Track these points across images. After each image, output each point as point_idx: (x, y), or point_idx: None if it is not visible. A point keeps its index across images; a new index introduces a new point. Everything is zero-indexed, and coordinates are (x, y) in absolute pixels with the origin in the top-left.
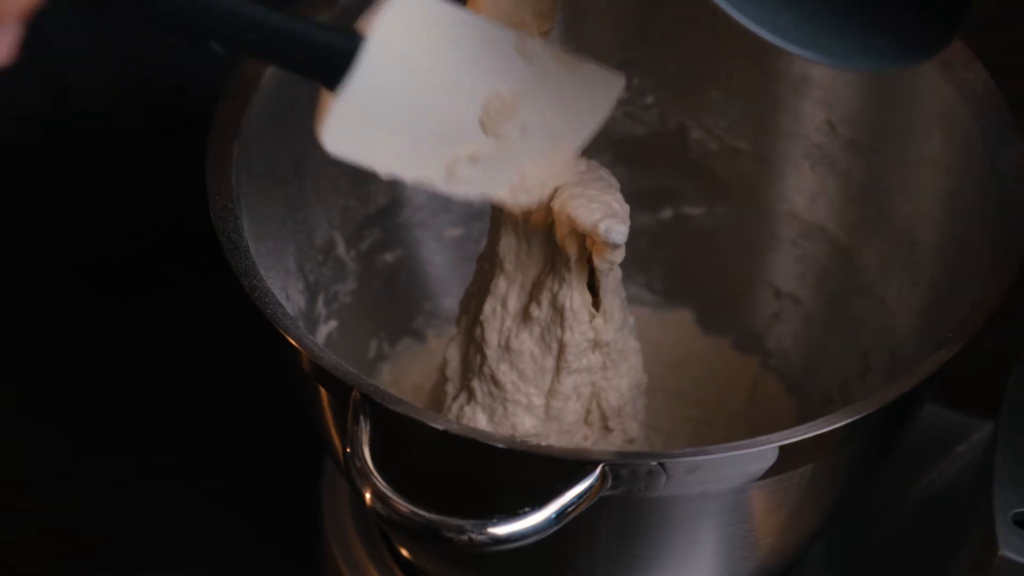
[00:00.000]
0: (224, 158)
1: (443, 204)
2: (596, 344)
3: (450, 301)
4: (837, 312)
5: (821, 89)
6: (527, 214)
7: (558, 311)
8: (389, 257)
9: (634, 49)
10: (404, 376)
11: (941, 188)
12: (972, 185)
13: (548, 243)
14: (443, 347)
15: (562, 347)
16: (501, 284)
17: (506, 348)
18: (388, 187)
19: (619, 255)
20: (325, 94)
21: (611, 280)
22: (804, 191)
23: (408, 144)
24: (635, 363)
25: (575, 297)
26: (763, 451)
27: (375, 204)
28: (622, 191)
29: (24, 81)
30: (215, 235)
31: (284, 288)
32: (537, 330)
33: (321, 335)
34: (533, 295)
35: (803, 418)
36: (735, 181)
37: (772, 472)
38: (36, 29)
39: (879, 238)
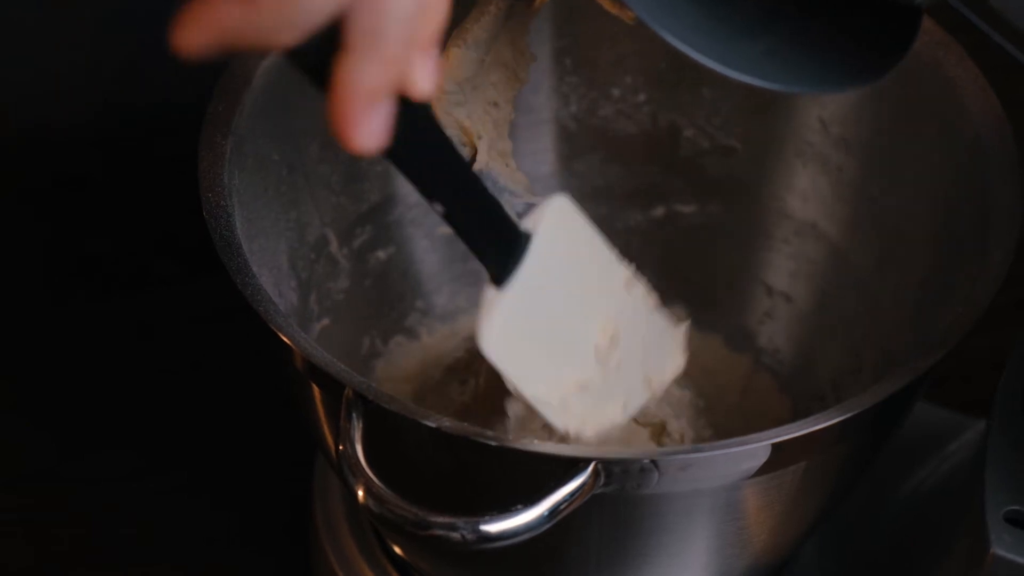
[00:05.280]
0: (216, 156)
1: None
2: None
3: (442, 299)
4: (829, 310)
5: None
6: None
7: None
8: (382, 255)
9: (626, 46)
10: (397, 373)
11: (932, 186)
12: (963, 183)
13: None
14: (436, 344)
15: None
16: None
17: None
18: (380, 185)
19: None
20: (488, 293)
21: None
22: (796, 189)
23: (542, 361)
24: None
25: None
26: (755, 449)
27: (367, 202)
28: (614, 189)
29: (13, 79)
30: (207, 233)
31: (276, 286)
32: None
33: (314, 332)
34: None
35: (795, 416)
36: (727, 179)
37: (764, 470)
38: (23, 25)
39: (871, 236)
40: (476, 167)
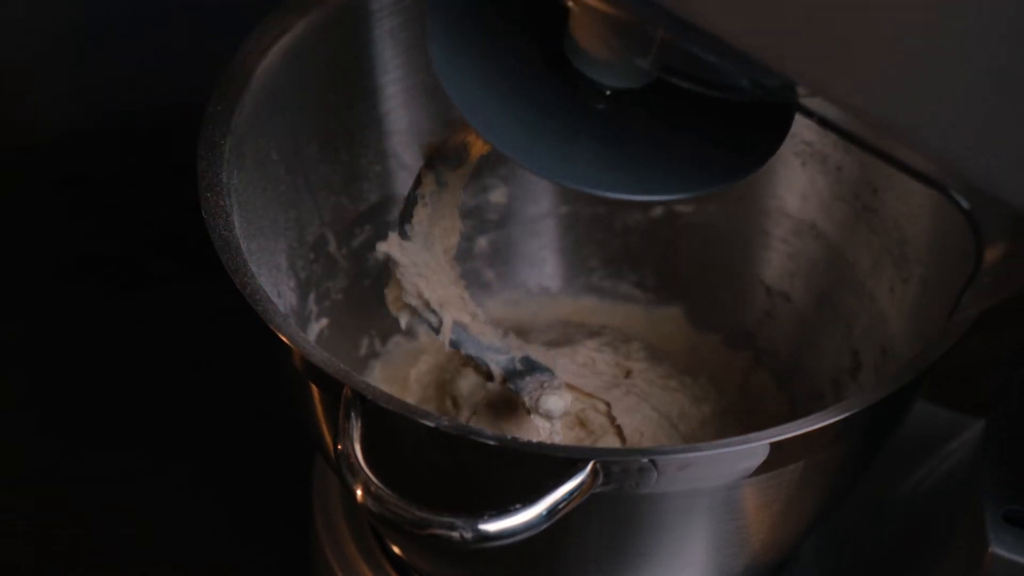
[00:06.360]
0: (215, 155)
1: None
2: None
3: None
4: (828, 309)
5: None
6: None
7: None
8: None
9: None
10: (396, 373)
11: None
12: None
13: None
14: (434, 344)
15: None
16: None
17: None
18: (380, 185)
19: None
20: None
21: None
22: (795, 188)
23: None
24: None
25: None
26: (754, 448)
27: (366, 202)
28: None
29: (13, 80)
30: (207, 233)
31: (275, 285)
32: None
33: (312, 332)
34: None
35: (794, 415)
36: None
37: (763, 469)
38: (24, 26)
39: (869, 235)
40: (452, 334)
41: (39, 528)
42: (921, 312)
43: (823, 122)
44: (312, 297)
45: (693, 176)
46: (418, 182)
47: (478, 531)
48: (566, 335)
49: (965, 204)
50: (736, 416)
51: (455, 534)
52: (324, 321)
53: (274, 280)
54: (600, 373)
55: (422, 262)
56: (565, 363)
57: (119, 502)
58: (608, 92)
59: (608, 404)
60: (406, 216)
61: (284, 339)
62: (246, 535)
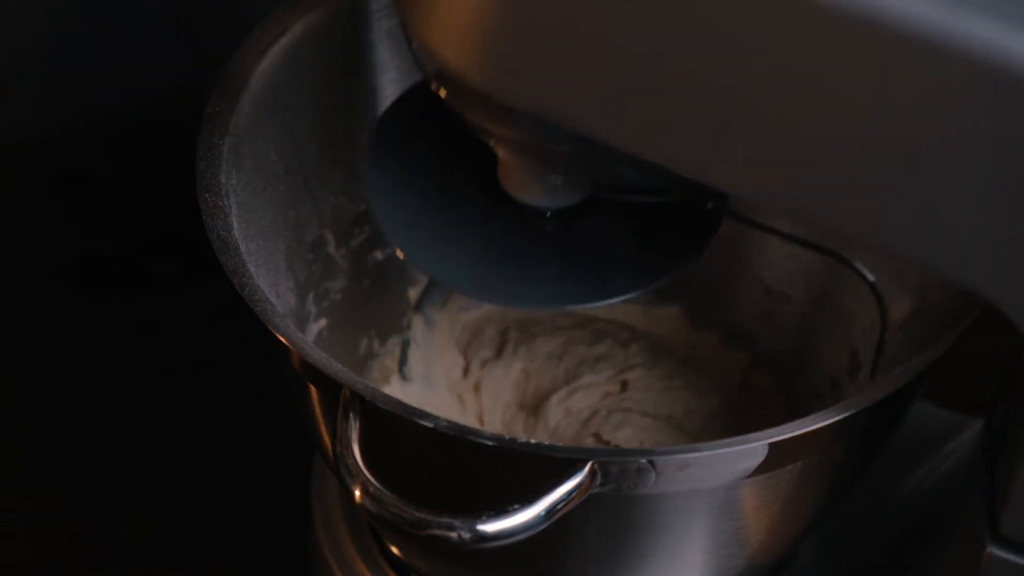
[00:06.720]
0: (214, 156)
1: None
2: None
3: (440, 299)
4: (827, 309)
5: None
6: None
7: None
8: (379, 255)
9: None
10: (395, 374)
11: None
12: None
13: None
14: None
15: None
16: None
17: None
18: None
19: None
20: None
21: None
22: None
23: None
24: None
25: None
26: (752, 448)
27: (366, 202)
28: None
29: (13, 80)
30: (206, 233)
31: (274, 286)
32: None
33: (311, 333)
34: None
35: (793, 415)
36: None
37: (761, 469)
38: (23, 26)
39: None
40: None
41: (39, 528)
42: (921, 312)
43: (729, 214)
44: (311, 297)
45: (647, 272)
46: (408, 325)
47: (476, 531)
48: (573, 335)
49: (870, 277)
50: (735, 416)
51: (453, 534)
52: (323, 321)
53: (273, 280)
54: (576, 413)
55: (426, 401)
56: (539, 435)
57: (119, 502)
58: (548, 213)
59: (595, 435)
60: (403, 359)
61: (282, 340)
62: (246, 535)
